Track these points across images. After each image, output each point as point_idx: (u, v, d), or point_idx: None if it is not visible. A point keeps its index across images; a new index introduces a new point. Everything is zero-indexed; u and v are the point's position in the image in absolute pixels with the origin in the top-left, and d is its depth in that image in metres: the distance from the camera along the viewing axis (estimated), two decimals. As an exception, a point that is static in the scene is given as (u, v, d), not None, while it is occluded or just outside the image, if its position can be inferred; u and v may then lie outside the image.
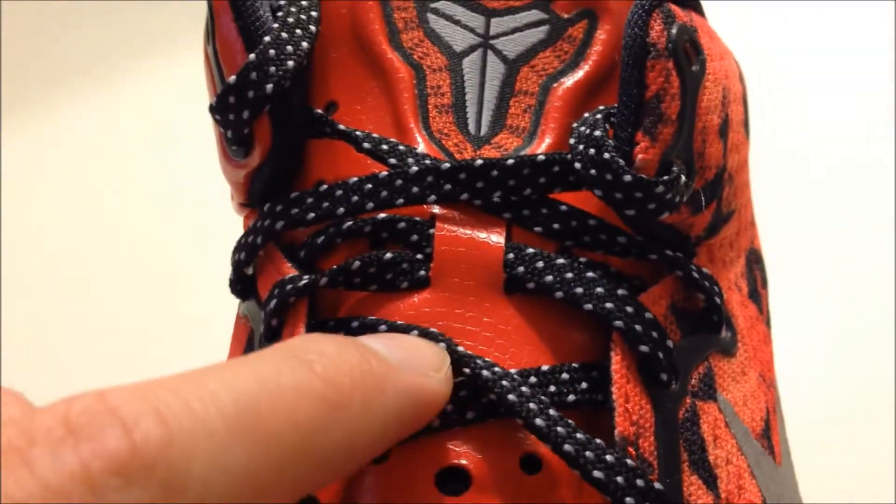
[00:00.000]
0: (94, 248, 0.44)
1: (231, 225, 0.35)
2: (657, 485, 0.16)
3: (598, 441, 0.16)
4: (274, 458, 0.13)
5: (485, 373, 0.17)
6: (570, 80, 0.20)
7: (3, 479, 0.11)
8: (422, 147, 0.19)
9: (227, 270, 0.38)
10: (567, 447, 0.16)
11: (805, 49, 0.40)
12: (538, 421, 0.16)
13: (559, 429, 0.16)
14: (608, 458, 0.16)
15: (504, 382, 0.16)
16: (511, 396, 0.16)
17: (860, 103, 0.38)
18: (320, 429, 0.13)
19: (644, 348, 0.17)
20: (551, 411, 0.16)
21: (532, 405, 0.16)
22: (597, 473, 0.16)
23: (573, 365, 0.17)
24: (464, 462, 0.17)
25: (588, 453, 0.16)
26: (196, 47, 0.46)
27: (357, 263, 0.18)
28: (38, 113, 0.47)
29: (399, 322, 0.18)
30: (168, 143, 0.46)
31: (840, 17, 0.40)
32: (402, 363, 0.15)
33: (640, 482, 0.16)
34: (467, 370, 0.17)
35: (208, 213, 0.42)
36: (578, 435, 0.16)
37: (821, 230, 0.35)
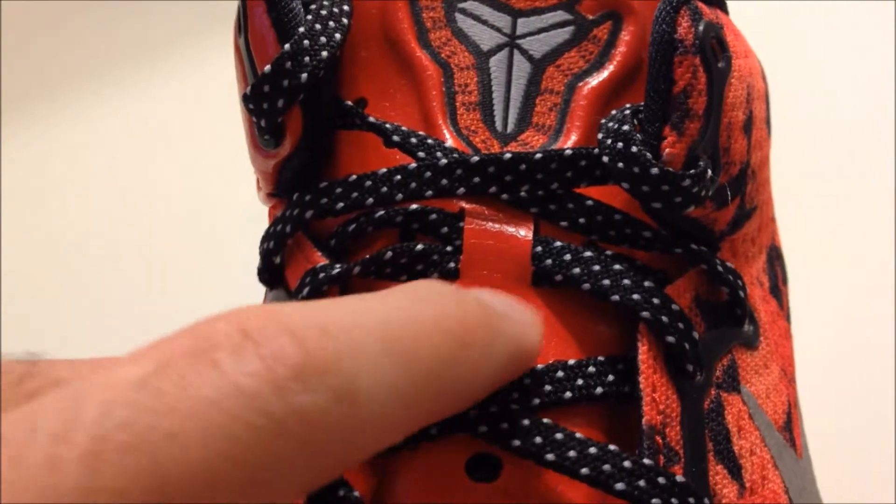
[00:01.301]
0: (98, 250, 0.44)
1: (237, 227, 0.36)
2: (679, 478, 0.16)
3: (612, 449, 0.16)
4: (419, 382, 0.14)
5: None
6: (594, 80, 0.20)
7: (194, 378, 0.12)
8: (449, 142, 0.19)
9: (232, 272, 0.39)
10: (584, 471, 0.16)
11: (823, 46, 0.40)
12: (549, 456, 0.16)
13: (571, 453, 0.16)
14: (626, 464, 0.16)
15: (525, 422, 0.16)
16: (515, 442, 0.16)
17: (875, 101, 0.38)
18: (452, 361, 0.14)
19: (671, 339, 0.18)
20: (559, 435, 0.16)
21: (538, 439, 0.16)
22: (619, 486, 0.16)
23: (599, 358, 0.18)
24: (494, 451, 0.17)
25: (606, 467, 0.16)
26: (201, 50, 0.47)
27: (389, 254, 0.18)
28: (39, 117, 0.48)
29: None
30: (173, 146, 0.46)
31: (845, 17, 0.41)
32: (507, 314, 0.16)
33: (661, 479, 0.16)
34: None
35: (213, 214, 0.42)
36: (591, 449, 0.16)
37: (839, 227, 0.35)
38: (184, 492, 0.11)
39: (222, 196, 0.42)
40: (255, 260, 0.21)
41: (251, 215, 0.26)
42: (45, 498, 0.10)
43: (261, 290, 0.23)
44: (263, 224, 0.22)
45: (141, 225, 0.44)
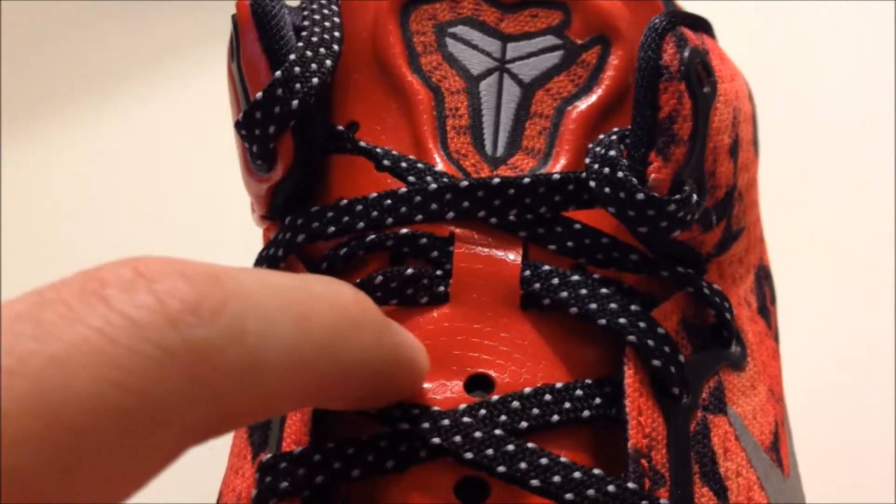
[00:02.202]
0: (96, 261, 0.44)
1: (237, 239, 0.36)
2: (663, 502, 0.16)
3: (596, 473, 0.16)
4: (310, 346, 0.14)
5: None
6: (583, 104, 0.20)
7: (81, 310, 0.12)
8: (440, 166, 0.19)
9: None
10: (569, 496, 0.16)
11: (810, 56, 0.41)
12: (534, 482, 0.16)
13: (556, 478, 0.16)
14: (610, 488, 0.16)
15: (509, 448, 0.17)
16: (501, 468, 0.16)
17: (866, 115, 0.38)
18: (346, 335, 0.15)
19: (656, 362, 0.18)
20: (543, 460, 0.16)
21: (523, 465, 0.16)
22: None
23: (587, 381, 0.18)
24: (483, 474, 0.17)
25: (590, 492, 0.16)
26: (203, 61, 0.47)
27: (380, 278, 0.18)
28: (41, 127, 0.48)
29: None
30: (173, 157, 0.46)
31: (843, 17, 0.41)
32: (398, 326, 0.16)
33: (645, 503, 0.16)
34: None
35: (212, 229, 0.43)
36: (576, 474, 0.16)
37: (830, 243, 0.35)
38: (73, 416, 0.11)
39: (221, 209, 0.42)
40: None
41: (250, 229, 0.27)
42: None
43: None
44: (258, 246, 0.23)
45: (139, 237, 0.44)
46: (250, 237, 0.28)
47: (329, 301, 0.14)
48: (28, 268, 0.44)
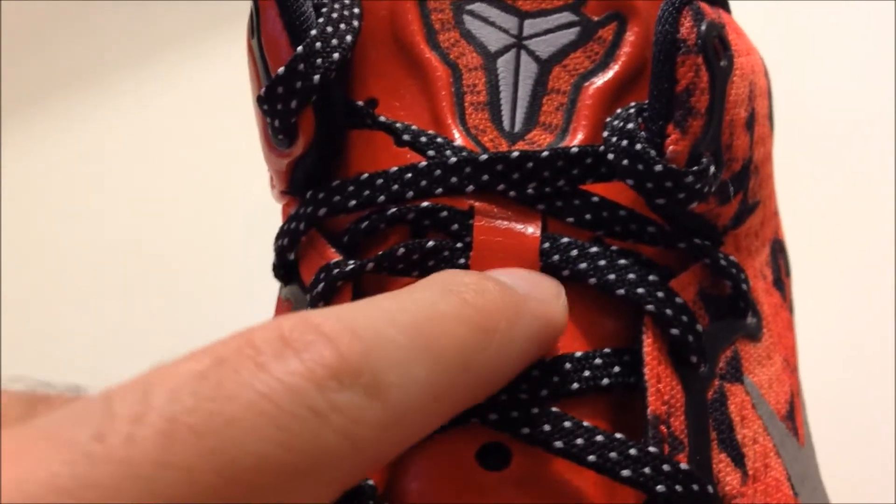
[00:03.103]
0: (102, 252, 0.44)
1: (251, 225, 0.36)
2: (683, 465, 0.17)
3: (618, 437, 0.17)
4: (446, 373, 0.15)
5: None
6: (600, 80, 0.20)
7: (247, 374, 0.13)
8: (459, 141, 0.20)
9: (247, 269, 0.39)
10: (591, 458, 0.17)
11: (824, 38, 0.41)
12: (557, 444, 0.17)
13: (579, 441, 0.17)
14: (632, 451, 0.17)
15: (534, 410, 0.17)
16: (525, 429, 0.17)
17: (876, 95, 0.38)
18: (477, 349, 0.15)
19: (675, 331, 0.18)
20: (567, 423, 0.17)
21: (546, 427, 0.17)
22: (625, 472, 0.16)
23: (606, 350, 0.18)
24: (504, 440, 0.17)
25: (612, 454, 0.17)
26: (209, 49, 0.47)
27: (402, 250, 0.19)
28: (40, 119, 0.48)
29: None
30: (186, 144, 0.46)
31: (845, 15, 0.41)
32: (529, 293, 0.17)
33: (666, 467, 0.17)
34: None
35: (227, 212, 0.43)
36: (598, 437, 0.17)
37: (842, 219, 0.36)
38: (244, 472, 0.12)
39: (236, 193, 0.42)
40: (269, 257, 0.22)
41: (265, 213, 0.27)
42: (125, 467, 0.12)
43: (275, 286, 0.23)
44: (276, 221, 0.23)
45: (153, 223, 0.44)
46: (253, 227, 0.28)
47: (456, 318, 0.15)
48: (28, 263, 0.44)
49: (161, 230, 0.44)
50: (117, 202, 0.45)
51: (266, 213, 0.26)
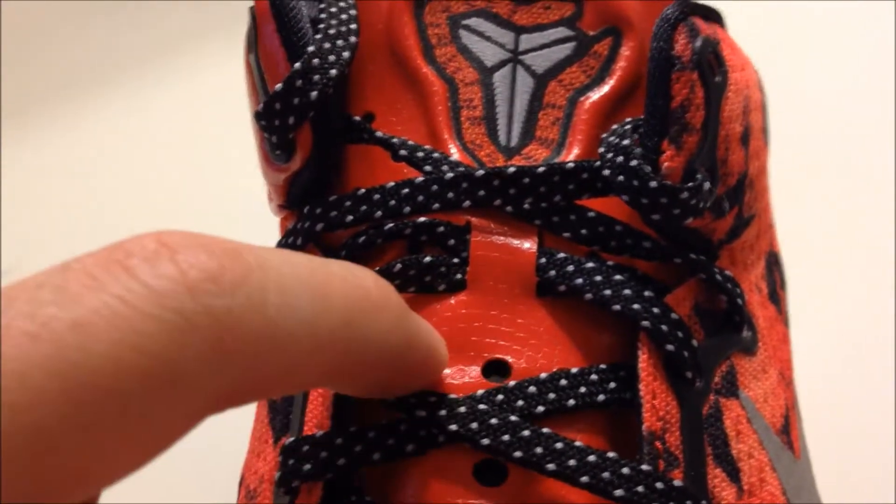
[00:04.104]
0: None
1: (248, 236, 0.36)
2: (677, 482, 0.17)
3: (610, 456, 0.17)
4: (330, 319, 0.14)
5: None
6: (596, 94, 0.21)
7: (104, 279, 0.12)
8: (455, 156, 0.20)
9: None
10: (584, 479, 0.17)
11: (820, 50, 0.41)
12: (550, 466, 0.17)
13: (571, 462, 0.17)
14: (624, 470, 0.17)
15: (525, 433, 0.17)
16: (517, 453, 0.17)
17: (876, 104, 0.39)
18: (364, 314, 0.15)
19: (670, 347, 0.18)
20: (559, 445, 0.17)
21: (539, 449, 0.17)
22: (618, 492, 0.16)
23: (601, 366, 0.18)
24: (500, 457, 0.17)
25: (605, 474, 0.16)
26: (208, 56, 0.47)
27: (399, 265, 0.19)
28: (42, 124, 0.48)
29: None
30: (182, 153, 0.46)
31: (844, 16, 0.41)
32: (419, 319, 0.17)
33: (659, 484, 0.17)
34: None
35: (223, 223, 0.43)
36: (590, 458, 0.17)
37: (839, 232, 0.36)
38: (92, 377, 0.11)
39: (234, 206, 0.42)
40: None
41: (263, 226, 0.27)
42: None
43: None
44: (274, 235, 0.23)
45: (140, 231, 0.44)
46: (251, 240, 0.28)
47: (349, 282, 0.15)
48: (27, 263, 0.44)
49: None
50: (114, 212, 0.45)
51: (264, 227, 0.26)
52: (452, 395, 0.17)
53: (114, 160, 0.47)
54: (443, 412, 0.17)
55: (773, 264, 0.23)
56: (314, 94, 0.19)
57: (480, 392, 0.17)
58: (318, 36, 0.20)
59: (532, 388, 0.18)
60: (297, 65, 0.19)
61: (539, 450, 0.17)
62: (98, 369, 0.11)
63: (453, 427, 0.17)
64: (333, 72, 0.19)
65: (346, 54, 0.20)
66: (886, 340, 0.33)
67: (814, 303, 0.33)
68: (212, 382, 0.13)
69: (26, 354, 0.11)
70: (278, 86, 0.19)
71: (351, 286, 0.15)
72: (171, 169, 0.46)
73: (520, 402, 0.17)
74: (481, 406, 0.17)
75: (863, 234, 0.36)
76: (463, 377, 0.18)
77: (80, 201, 0.46)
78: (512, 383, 0.18)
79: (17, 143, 0.48)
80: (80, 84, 0.49)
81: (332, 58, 0.19)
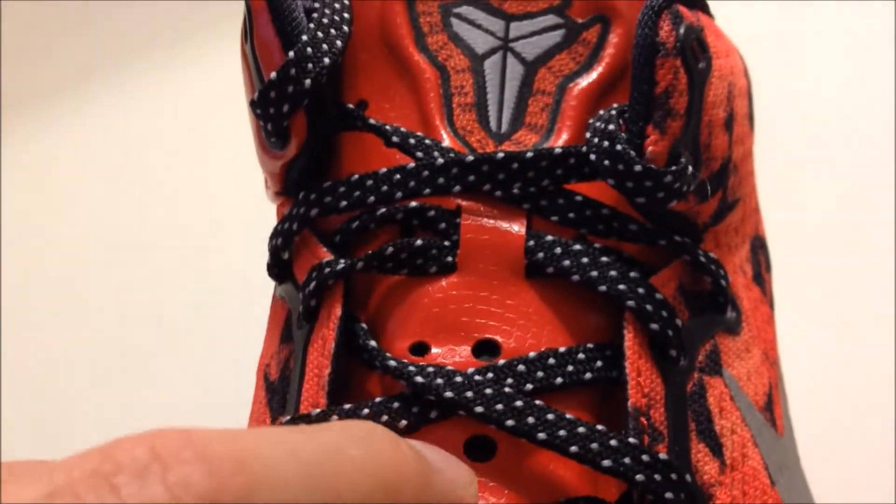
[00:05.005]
0: (104, 247, 0.45)
1: (245, 225, 0.37)
2: (662, 455, 0.17)
3: (599, 429, 0.17)
4: None
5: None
6: (584, 81, 0.21)
7: (91, 501, 0.11)
8: (447, 142, 0.20)
9: (241, 269, 0.40)
10: (573, 449, 0.17)
11: (805, 42, 0.41)
12: (540, 436, 0.17)
13: (562, 432, 0.17)
14: (612, 442, 0.17)
15: (518, 403, 0.17)
16: (509, 422, 0.17)
17: (864, 91, 0.39)
18: None
19: (655, 326, 0.19)
20: (550, 416, 0.17)
21: (530, 419, 0.17)
22: (606, 462, 0.17)
23: (588, 345, 0.19)
24: (490, 432, 0.18)
25: (594, 445, 0.17)
26: (206, 48, 0.47)
27: (390, 249, 0.19)
28: (40, 117, 0.49)
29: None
30: (180, 145, 0.47)
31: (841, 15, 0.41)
32: (442, 469, 0.16)
33: (645, 457, 0.17)
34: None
35: (221, 213, 0.44)
36: (580, 429, 0.17)
37: (825, 216, 0.36)
38: None
39: (232, 194, 0.43)
40: (264, 256, 0.23)
41: (260, 213, 0.28)
42: None
43: (270, 285, 0.24)
44: (270, 222, 0.24)
45: (150, 223, 0.45)
46: (249, 227, 0.29)
47: (362, 467, 0.14)
48: (27, 258, 0.45)
49: (157, 229, 0.45)
50: (113, 202, 0.46)
51: (261, 214, 0.27)
52: (449, 367, 0.18)
53: (110, 156, 0.47)
54: (439, 381, 0.18)
55: (759, 248, 0.24)
56: (308, 82, 0.20)
57: (471, 370, 0.18)
58: (312, 25, 0.20)
59: (521, 367, 0.18)
60: (291, 54, 0.20)
61: (531, 420, 0.17)
62: None
63: (449, 394, 0.17)
64: (327, 60, 0.20)
65: (339, 43, 0.20)
66: (873, 323, 0.34)
67: (799, 285, 0.33)
68: None
69: None
70: (273, 74, 0.20)
71: (365, 475, 0.14)
72: (168, 164, 0.46)
73: (509, 381, 0.18)
74: (476, 377, 0.18)
75: (848, 222, 0.36)
76: (454, 357, 0.19)
77: (77, 195, 0.47)
78: (501, 362, 0.18)
79: (18, 135, 0.48)
80: (79, 76, 0.49)
81: (325, 46, 0.20)
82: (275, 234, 0.22)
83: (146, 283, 0.43)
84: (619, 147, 0.19)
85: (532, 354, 0.18)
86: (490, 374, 0.18)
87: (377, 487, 0.14)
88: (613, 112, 0.19)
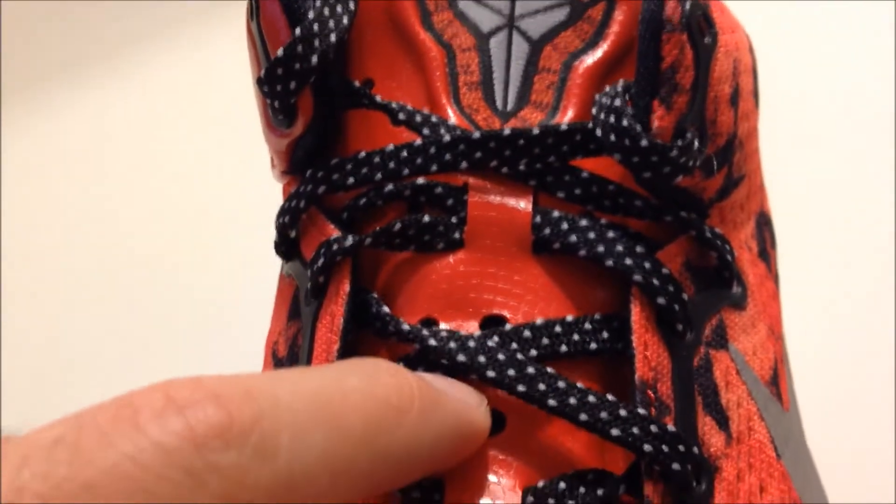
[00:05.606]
0: (98, 241, 0.45)
1: (251, 208, 0.37)
2: (670, 427, 0.17)
3: (609, 398, 0.17)
4: (348, 446, 0.14)
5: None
6: (590, 59, 0.21)
7: (115, 437, 0.12)
8: (453, 120, 0.20)
9: (247, 251, 0.40)
10: (583, 417, 0.17)
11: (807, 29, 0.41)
12: (551, 402, 0.17)
13: (572, 400, 0.17)
14: (622, 412, 0.17)
15: (530, 370, 0.17)
16: (520, 387, 0.17)
17: (868, 71, 0.39)
18: (385, 429, 0.15)
19: (661, 300, 0.19)
20: (561, 384, 0.17)
21: (542, 386, 0.17)
22: (614, 432, 0.17)
23: (595, 316, 0.19)
24: (499, 405, 0.18)
25: (603, 414, 0.17)
26: (210, 31, 0.47)
27: (398, 225, 0.19)
28: (38, 105, 0.49)
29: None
30: (184, 128, 0.47)
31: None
32: (446, 390, 0.17)
33: (654, 428, 0.17)
34: None
35: (226, 197, 0.44)
36: (590, 398, 0.17)
37: (828, 195, 0.36)
38: None
39: (238, 175, 0.43)
40: (270, 235, 0.23)
41: (266, 193, 0.28)
42: None
43: (276, 263, 0.24)
44: (276, 202, 0.24)
45: (153, 206, 0.45)
46: (255, 207, 0.29)
47: (366, 393, 0.15)
48: (29, 244, 0.45)
49: (166, 211, 0.45)
50: (122, 182, 0.46)
51: (267, 194, 0.27)
52: (463, 332, 0.18)
53: (118, 135, 0.47)
54: (452, 344, 0.18)
55: (764, 224, 0.24)
56: (315, 59, 0.20)
57: (477, 334, 0.18)
58: (318, 3, 0.20)
59: (527, 333, 0.18)
60: (298, 31, 0.20)
61: (542, 386, 0.17)
62: None
63: (462, 358, 0.18)
64: (333, 38, 0.20)
65: (345, 20, 0.20)
66: (876, 300, 0.34)
67: (804, 263, 0.33)
68: None
69: None
70: (280, 51, 0.20)
71: (370, 399, 0.15)
72: (176, 145, 0.46)
73: (513, 346, 0.18)
74: (489, 343, 0.18)
75: (852, 199, 0.36)
76: (462, 332, 0.19)
77: (84, 176, 0.47)
78: (508, 327, 0.18)
79: (18, 121, 0.48)
80: (84, 56, 0.49)
81: (332, 24, 0.20)
82: (282, 213, 0.22)
83: (152, 264, 0.43)
84: (625, 122, 0.19)
85: (539, 321, 0.18)
86: (495, 339, 0.18)
87: (381, 407, 0.15)
88: (619, 88, 0.19)
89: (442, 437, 0.16)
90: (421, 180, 0.20)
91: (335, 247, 0.20)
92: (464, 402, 0.17)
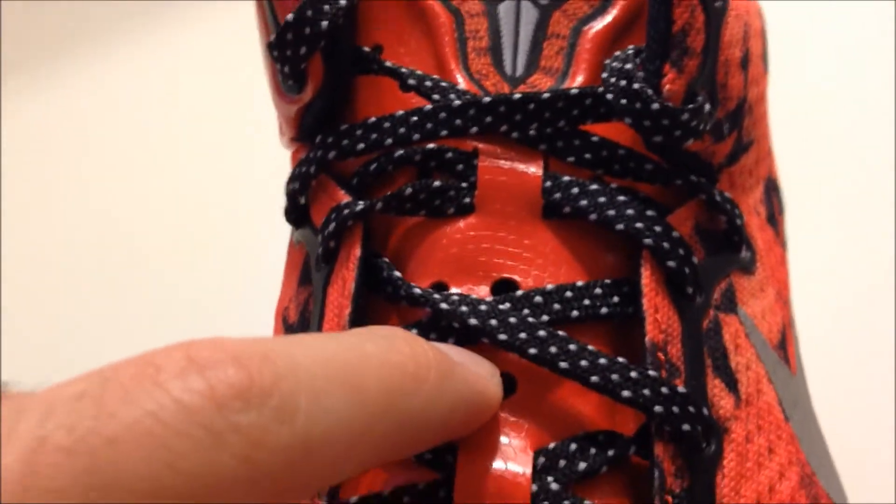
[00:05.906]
0: (115, 207, 0.45)
1: (257, 178, 0.37)
2: (681, 388, 0.18)
3: (620, 360, 0.17)
4: (365, 412, 0.14)
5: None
6: (599, 24, 0.21)
7: (138, 393, 0.12)
8: (462, 86, 0.20)
9: (249, 221, 0.40)
10: (594, 379, 0.17)
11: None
12: (563, 364, 0.17)
13: (583, 363, 0.17)
14: (632, 374, 0.17)
15: (541, 333, 0.18)
16: (532, 350, 0.17)
17: (877, 40, 0.39)
18: (402, 396, 0.15)
19: (671, 264, 0.19)
20: (572, 346, 0.17)
21: (553, 349, 0.17)
22: (625, 393, 0.17)
23: (606, 281, 0.19)
24: (510, 369, 0.18)
25: (614, 376, 0.17)
26: (195, 15, 0.47)
27: (409, 190, 0.19)
28: (37, 83, 0.48)
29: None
30: (185, 96, 0.47)
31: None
32: (462, 361, 0.17)
33: (664, 389, 0.17)
34: None
35: (228, 163, 0.44)
36: (601, 360, 0.17)
37: (836, 160, 0.36)
38: (122, 494, 0.12)
39: (246, 142, 0.43)
40: (280, 202, 0.23)
41: (270, 169, 0.28)
42: None
43: (285, 231, 0.24)
44: (285, 170, 0.24)
45: (164, 172, 0.45)
46: (264, 174, 0.29)
47: (385, 361, 0.15)
48: (25, 228, 0.45)
49: (172, 180, 0.45)
50: (131, 151, 0.46)
51: (276, 162, 0.27)
52: (474, 296, 0.18)
53: (128, 103, 0.47)
54: (464, 308, 0.18)
55: (772, 190, 0.24)
56: (325, 23, 0.20)
57: (489, 299, 0.18)
58: None
59: (538, 298, 0.18)
60: None
61: (553, 349, 0.17)
62: (131, 487, 0.12)
63: (473, 321, 0.18)
64: (343, 2, 0.20)
65: None
66: (880, 270, 0.34)
67: (812, 228, 0.34)
68: (245, 496, 0.13)
69: (62, 470, 0.11)
70: (289, 16, 0.20)
71: (387, 366, 0.15)
72: (182, 114, 0.46)
73: (525, 311, 0.18)
74: (501, 307, 0.18)
75: (859, 165, 0.36)
76: (473, 296, 0.19)
77: (90, 143, 0.47)
78: (519, 293, 0.18)
79: (18, 94, 0.48)
80: (87, 28, 0.49)
81: None
82: (292, 179, 0.22)
83: (161, 233, 0.43)
84: (636, 86, 0.19)
85: (549, 286, 0.19)
86: (507, 304, 0.18)
87: (398, 374, 0.15)
88: (630, 52, 0.19)
89: (456, 406, 0.16)
90: (431, 145, 0.20)
91: (346, 212, 0.20)
92: (477, 374, 0.17)
